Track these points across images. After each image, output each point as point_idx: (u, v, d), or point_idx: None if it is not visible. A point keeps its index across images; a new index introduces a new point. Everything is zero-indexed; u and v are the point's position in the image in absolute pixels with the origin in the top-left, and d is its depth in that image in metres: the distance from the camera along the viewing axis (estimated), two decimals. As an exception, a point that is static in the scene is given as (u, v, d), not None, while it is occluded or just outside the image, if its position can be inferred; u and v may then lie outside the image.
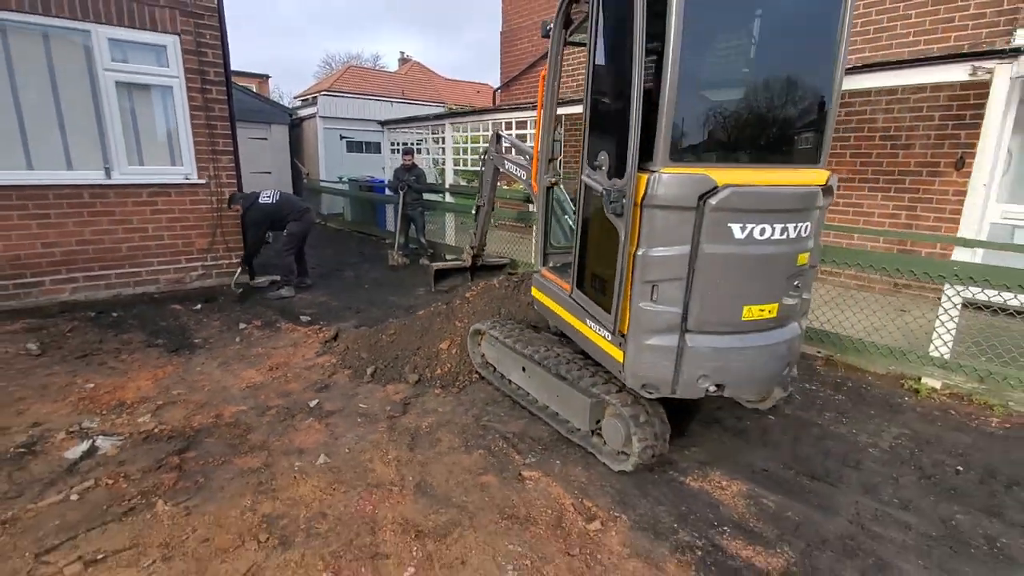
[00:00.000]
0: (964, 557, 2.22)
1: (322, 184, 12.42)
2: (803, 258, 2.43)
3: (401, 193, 7.81)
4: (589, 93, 2.62)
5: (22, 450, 2.85)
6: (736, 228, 2.22)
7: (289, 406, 3.44)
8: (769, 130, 2.63)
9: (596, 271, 2.76)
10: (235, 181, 6.31)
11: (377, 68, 36.06)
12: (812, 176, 2.39)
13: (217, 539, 2.23)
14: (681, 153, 2.25)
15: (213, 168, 6.14)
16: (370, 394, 3.64)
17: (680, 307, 2.33)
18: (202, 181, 6.07)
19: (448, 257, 8.14)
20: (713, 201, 2.17)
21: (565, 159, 8.93)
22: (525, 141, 6.84)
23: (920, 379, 3.79)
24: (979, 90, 5.32)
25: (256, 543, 2.21)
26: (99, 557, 2.11)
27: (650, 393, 2.51)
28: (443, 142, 8.38)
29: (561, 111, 6.21)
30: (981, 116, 5.56)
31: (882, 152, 6.01)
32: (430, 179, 8.81)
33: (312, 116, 13.06)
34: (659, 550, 2.22)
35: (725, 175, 2.19)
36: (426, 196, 8.26)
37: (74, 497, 2.48)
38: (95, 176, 5.52)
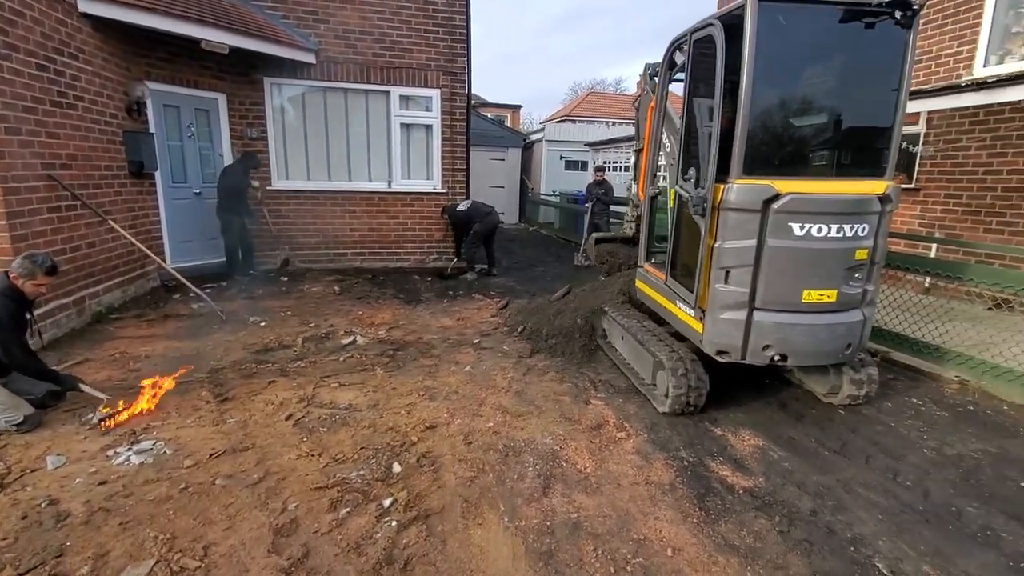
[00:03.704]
0: (951, 538, 2.44)
1: (541, 197, 14.61)
2: (861, 254, 2.92)
3: (590, 204, 9.13)
4: (683, 123, 3.51)
5: (322, 335, 5.08)
6: (795, 227, 2.89)
7: (460, 340, 5.06)
8: (830, 149, 3.15)
9: (685, 261, 3.59)
10: (465, 191, 8.52)
11: (618, 93, 38.30)
12: (870, 187, 2.87)
13: (399, 389, 3.88)
14: (751, 168, 2.96)
15: (451, 181, 8.46)
16: (514, 343, 5.03)
17: (748, 288, 3.06)
18: (443, 190, 8.42)
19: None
20: (775, 205, 2.89)
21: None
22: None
23: (1067, 415, 3.40)
24: None
25: (417, 395, 3.78)
26: (345, 383, 3.95)
27: (723, 358, 3.26)
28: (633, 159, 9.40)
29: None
30: None
31: None
32: (619, 193, 9.91)
33: (540, 140, 15.41)
34: (656, 455, 3.03)
35: (787, 185, 2.88)
36: (612, 208, 9.40)
37: (341, 359, 4.46)
38: (382, 186, 8.29)
